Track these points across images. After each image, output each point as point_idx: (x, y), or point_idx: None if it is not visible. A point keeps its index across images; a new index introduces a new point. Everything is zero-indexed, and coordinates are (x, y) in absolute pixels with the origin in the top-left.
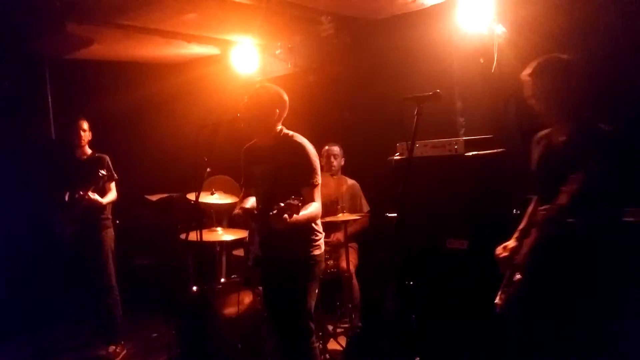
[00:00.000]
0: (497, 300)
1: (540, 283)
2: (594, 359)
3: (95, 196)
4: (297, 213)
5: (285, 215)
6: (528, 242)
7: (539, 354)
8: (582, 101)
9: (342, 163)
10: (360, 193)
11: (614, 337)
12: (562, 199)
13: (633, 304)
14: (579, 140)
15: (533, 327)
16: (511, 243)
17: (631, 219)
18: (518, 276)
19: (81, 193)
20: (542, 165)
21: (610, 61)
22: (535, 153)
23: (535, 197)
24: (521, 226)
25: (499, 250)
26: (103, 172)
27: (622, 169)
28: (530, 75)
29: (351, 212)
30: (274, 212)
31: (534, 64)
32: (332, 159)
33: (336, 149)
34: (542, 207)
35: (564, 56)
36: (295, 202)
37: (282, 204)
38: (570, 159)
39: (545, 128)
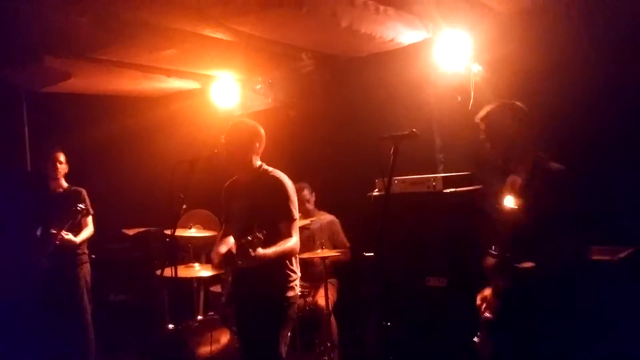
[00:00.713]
0: (475, 339)
1: (506, 324)
2: None
3: (69, 236)
4: (260, 246)
5: (250, 250)
6: (494, 284)
7: None
8: (535, 144)
9: (314, 198)
10: (339, 228)
11: None
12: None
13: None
14: (535, 181)
15: None
16: (487, 291)
17: (598, 258)
18: (487, 315)
19: (54, 232)
20: (502, 208)
21: (583, 99)
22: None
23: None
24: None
25: (477, 299)
26: (81, 206)
27: (577, 206)
28: (482, 120)
29: (331, 248)
30: (238, 246)
31: (485, 110)
32: (306, 204)
33: (306, 192)
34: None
35: (513, 102)
36: (259, 235)
37: (245, 240)
38: (525, 200)
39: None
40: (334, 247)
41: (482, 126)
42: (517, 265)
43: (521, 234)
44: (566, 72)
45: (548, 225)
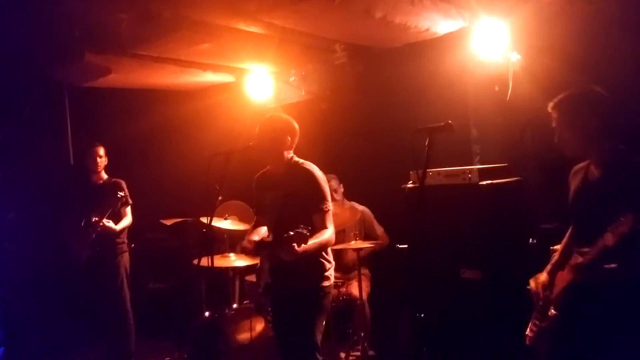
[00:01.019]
0: (527, 332)
1: (575, 324)
2: None
3: (109, 224)
4: (306, 242)
5: (294, 245)
6: (563, 278)
7: None
8: (614, 133)
9: (342, 189)
10: (372, 218)
11: None
12: (608, 240)
13: None
14: (615, 175)
15: None
16: (542, 277)
17: None
18: (553, 311)
19: (95, 220)
20: (579, 200)
21: (628, 90)
22: (572, 186)
23: (570, 230)
24: (554, 259)
25: (531, 283)
26: (121, 193)
27: None
28: (556, 106)
29: (365, 239)
30: (282, 241)
31: (560, 97)
32: (333, 194)
33: (333, 183)
34: (582, 249)
35: (592, 88)
36: (304, 231)
37: (291, 233)
38: (608, 195)
39: (572, 160)
40: (367, 237)
41: (555, 114)
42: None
43: (587, 226)
44: (610, 62)
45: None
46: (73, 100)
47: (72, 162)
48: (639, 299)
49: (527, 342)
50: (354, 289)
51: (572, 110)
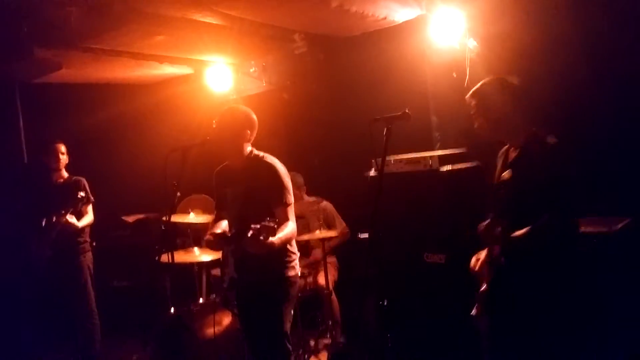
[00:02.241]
0: (472, 312)
1: (501, 296)
2: None
3: (72, 220)
4: (274, 235)
5: (262, 238)
6: (484, 253)
7: None
8: (527, 119)
9: (305, 187)
10: (334, 212)
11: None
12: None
13: (590, 316)
14: (529, 154)
15: (496, 339)
16: (483, 254)
17: (593, 230)
18: (483, 287)
19: (55, 220)
20: (496, 178)
21: (577, 74)
22: (497, 167)
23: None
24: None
25: (472, 262)
26: (82, 194)
27: (570, 179)
28: (473, 95)
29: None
30: (250, 235)
31: (477, 85)
32: (296, 191)
33: (298, 179)
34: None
35: (505, 77)
36: (271, 224)
37: (258, 226)
38: (521, 175)
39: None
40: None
41: (473, 102)
42: (510, 234)
43: (513, 204)
44: (562, 48)
45: (541, 196)
46: (25, 96)
47: (26, 160)
48: (556, 269)
49: (473, 321)
50: (321, 279)
51: (487, 97)
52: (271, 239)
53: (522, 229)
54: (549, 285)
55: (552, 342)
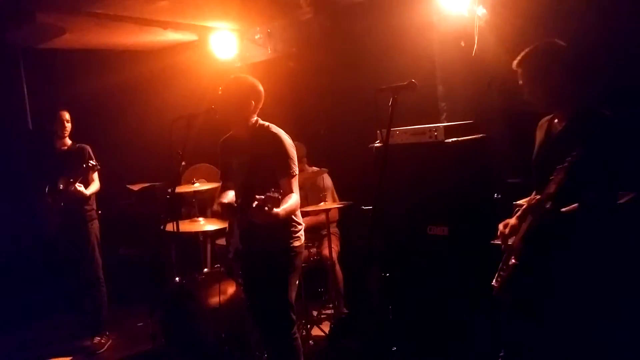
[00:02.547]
0: (493, 282)
1: (533, 272)
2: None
3: (80, 188)
4: (278, 206)
5: (266, 208)
6: (523, 227)
7: (530, 341)
8: (579, 87)
9: (305, 161)
10: (331, 187)
11: (607, 334)
12: (550, 187)
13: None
14: (576, 127)
15: (524, 315)
16: (512, 221)
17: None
18: (513, 261)
19: (63, 188)
20: (541, 152)
21: (593, 46)
22: (537, 139)
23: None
24: (524, 206)
25: (500, 227)
26: (92, 162)
27: (620, 154)
28: (521, 63)
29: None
30: (254, 205)
31: (523, 53)
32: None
33: (301, 150)
34: (533, 197)
35: (556, 41)
36: (275, 194)
37: (262, 197)
38: (566, 147)
39: (537, 115)
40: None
41: (519, 71)
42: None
43: (544, 175)
44: (569, 17)
45: (592, 171)
46: (28, 62)
47: (30, 126)
48: (597, 247)
49: (494, 292)
50: (325, 249)
51: (536, 64)
52: (276, 210)
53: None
54: (586, 264)
55: (587, 328)
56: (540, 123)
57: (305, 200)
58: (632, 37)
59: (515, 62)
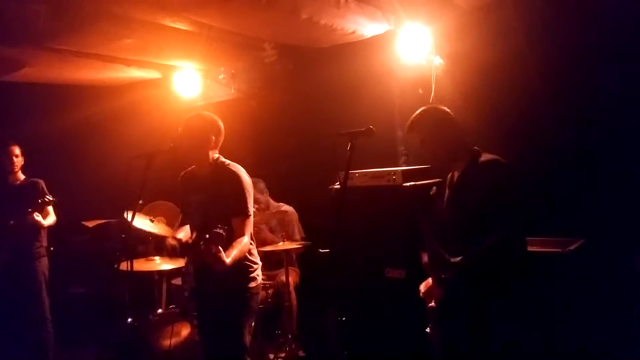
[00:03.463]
0: (427, 329)
1: (451, 312)
2: None
3: (38, 218)
4: (222, 242)
5: (212, 248)
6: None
7: None
8: (465, 141)
9: (267, 193)
10: (295, 220)
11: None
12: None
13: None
14: (469, 173)
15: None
16: (430, 280)
17: (547, 250)
18: (432, 304)
19: (16, 221)
20: (446, 205)
21: (537, 94)
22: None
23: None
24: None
25: (421, 288)
26: (49, 197)
27: (512, 196)
28: (414, 128)
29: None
30: (201, 244)
31: (413, 119)
32: (259, 196)
33: (260, 186)
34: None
35: (436, 107)
36: (220, 231)
37: (207, 236)
38: (460, 196)
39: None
40: (288, 237)
41: (415, 134)
42: (449, 259)
43: (452, 227)
44: (522, 66)
45: (482, 216)
46: None
47: None
48: (499, 284)
49: (427, 337)
50: (282, 286)
51: (433, 127)
52: (224, 258)
53: (462, 248)
54: (496, 301)
55: (501, 346)
56: (446, 180)
57: (273, 234)
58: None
59: (407, 126)
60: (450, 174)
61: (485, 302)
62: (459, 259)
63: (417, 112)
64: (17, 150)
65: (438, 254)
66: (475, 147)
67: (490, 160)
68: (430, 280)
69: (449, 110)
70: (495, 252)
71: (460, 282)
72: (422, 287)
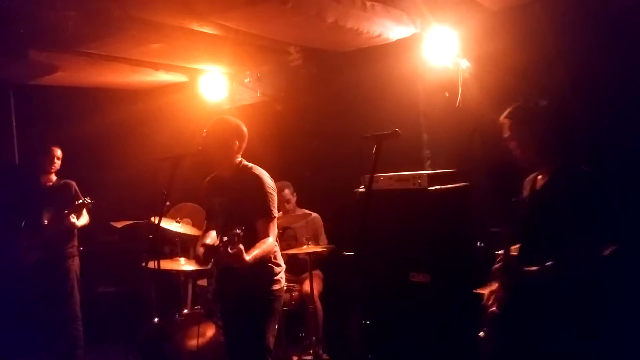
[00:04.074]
0: (480, 334)
1: (513, 322)
2: None
3: (73, 219)
4: (239, 243)
5: (229, 249)
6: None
7: None
8: (562, 145)
9: (295, 198)
10: (321, 226)
11: None
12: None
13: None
14: (557, 183)
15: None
16: (495, 285)
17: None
18: (494, 308)
19: (51, 221)
20: (527, 209)
21: (565, 94)
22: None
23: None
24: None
25: (485, 298)
26: (87, 199)
27: (601, 208)
28: (508, 119)
29: (315, 244)
30: (220, 247)
31: (512, 109)
32: (286, 204)
33: (286, 192)
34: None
35: (541, 102)
36: (237, 231)
37: (225, 239)
38: (547, 204)
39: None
40: (314, 240)
41: (507, 123)
42: (525, 268)
43: (535, 235)
44: (550, 68)
45: (569, 228)
46: (19, 98)
47: (17, 161)
48: (577, 296)
49: (479, 342)
50: (307, 292)
51: (523, 121)
52: (245, 256)
53: (539, 259)
54: (569, 313)
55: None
56: (525, 181)
57: (294, 240)
58: (613, 93)
59: (503, 115)
60: (531, 178)
61: (553, 315)
62: (549, 263)
63: (522, 103)
64: (59, 153)
65: (511, 259)
66: (568, 156)
67: (588, 172)
68: (494, 285)
69: (551, 107)
70: (588, 260)
71: (531, 289)
72: (486, 292)
